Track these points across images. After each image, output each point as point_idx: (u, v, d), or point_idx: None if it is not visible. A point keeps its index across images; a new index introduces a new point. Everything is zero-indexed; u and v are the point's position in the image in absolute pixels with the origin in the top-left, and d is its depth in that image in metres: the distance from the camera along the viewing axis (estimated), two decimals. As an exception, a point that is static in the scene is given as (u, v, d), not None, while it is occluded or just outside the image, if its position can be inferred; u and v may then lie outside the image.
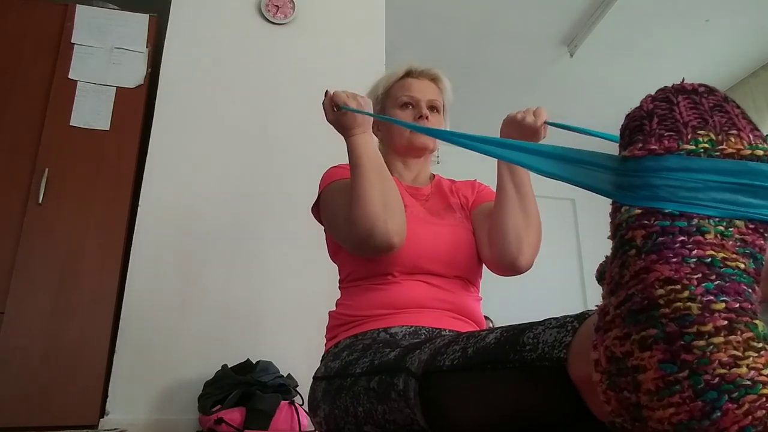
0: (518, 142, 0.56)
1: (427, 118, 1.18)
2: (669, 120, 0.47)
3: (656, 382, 0.40)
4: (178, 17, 2.33)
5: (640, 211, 0.44)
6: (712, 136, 0.45)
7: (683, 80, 0.50)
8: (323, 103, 1.09)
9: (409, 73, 1.24)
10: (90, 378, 1.89)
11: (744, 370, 0.38)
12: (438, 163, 3.29)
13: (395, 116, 1.20)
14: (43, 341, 1.90)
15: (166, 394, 1.90)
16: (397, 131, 1.20)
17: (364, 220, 0.98)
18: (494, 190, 1.26)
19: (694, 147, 0.45)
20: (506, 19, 3.15)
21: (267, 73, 2.36)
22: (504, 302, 2.90)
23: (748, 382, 0.38)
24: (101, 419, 1.84)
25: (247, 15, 2.41)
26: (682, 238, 0.42)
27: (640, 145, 0.46)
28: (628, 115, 0.49)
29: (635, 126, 0.48)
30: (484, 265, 1.18)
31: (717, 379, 0.38)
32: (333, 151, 1.60)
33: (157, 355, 1.94)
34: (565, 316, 0.57)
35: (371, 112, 1.08)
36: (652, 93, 0.50)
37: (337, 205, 1.09)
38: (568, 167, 0.51)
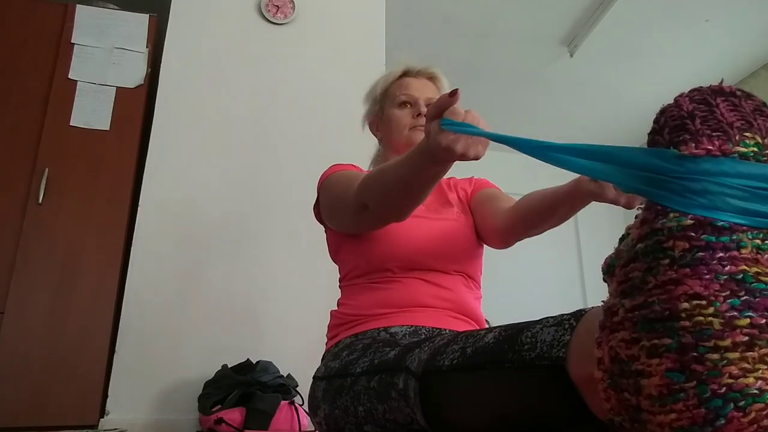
0: (567, 144, 0.50)
1: (425, 116, 1.18)
2: (711, 120, 0.43)
3: (660, 389, 0.39)
4: (178, 17, 2.33)
5: (692, 222, 0.40)
6: (758, 139, 0.42)
7: (722, 81, 0.46)
8: (429, 111, 0.81)
9: (406, 73, 1.24)
10: (90, 378, 1.89)
11: (752, 380, 0.38)
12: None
13: (394, 115, 1.20)
14: (43, 341, 1.90)
15: (166, 394, 1.90)
16: (396, 130, 1.20)
17: (370, 193, 0.95)
18: (491, 182, 1.26)
19: (744, 149, 0.41)
20: (506, 19, 3.15)
21: (267, 73, 2.36)
22: (504, 302, 2.89)
23: (756, 391, 0.38)
24: (101, 419, 1.84)
25: (247, 15, 2.41)
26: (721, 254, 0.40)
27: (693, 144, 0.41)
28: (664, 111, 0.45)
29: (676, 124, 0.44)
30: (482, 262, 1.18)
31: (724, 388, 0.38)
32: (333, 150, 1.60)
33: (157, 354, 1.94)
34: (561, 315, 0.57)
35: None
36: (686, 92, 0.45)
37: (346, 177, 1.06)
38: (606, 167, 0.46)
